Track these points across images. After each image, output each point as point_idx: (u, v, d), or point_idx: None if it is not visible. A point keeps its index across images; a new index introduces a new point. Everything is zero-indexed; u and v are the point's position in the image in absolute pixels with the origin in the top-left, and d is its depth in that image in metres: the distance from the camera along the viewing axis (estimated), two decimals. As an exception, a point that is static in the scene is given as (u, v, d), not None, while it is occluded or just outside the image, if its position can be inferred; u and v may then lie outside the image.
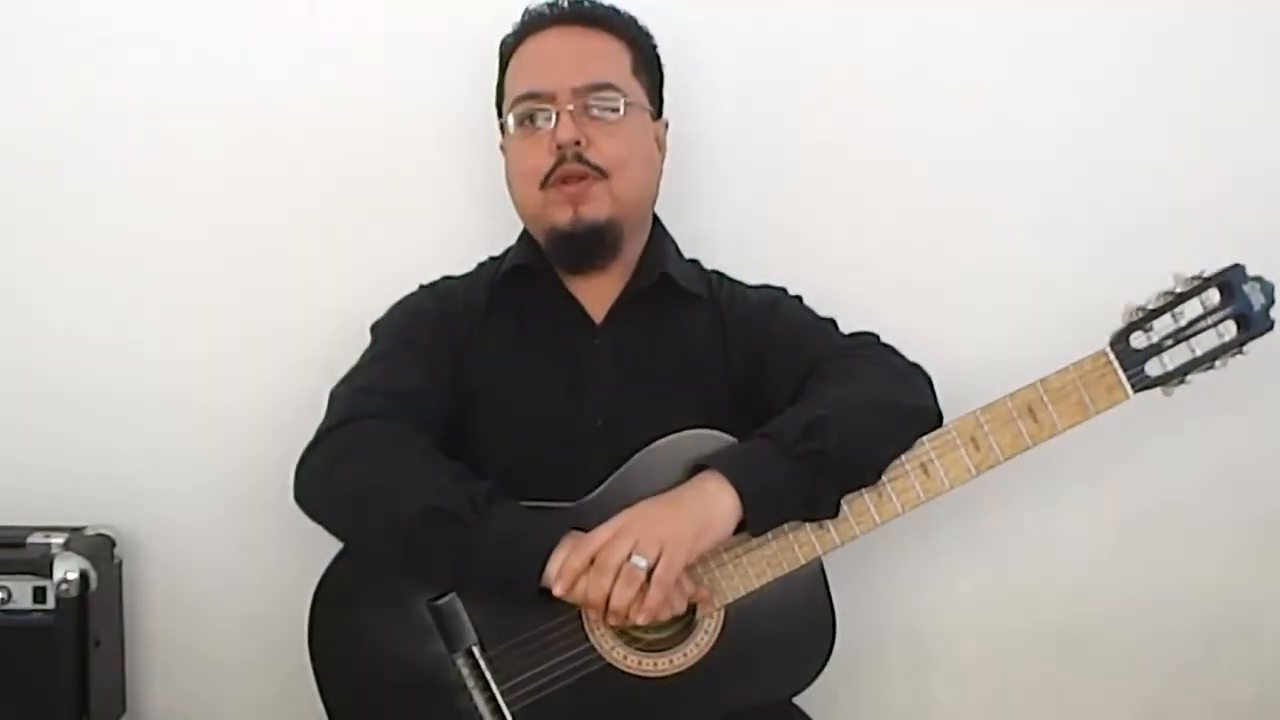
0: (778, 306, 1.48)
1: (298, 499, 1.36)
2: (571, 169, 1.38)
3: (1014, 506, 1.68)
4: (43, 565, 1.53)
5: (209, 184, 1.64)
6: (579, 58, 1.42)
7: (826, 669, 1.36)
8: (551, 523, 1.29)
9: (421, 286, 1.50)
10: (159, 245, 1.65)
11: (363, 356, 1.45)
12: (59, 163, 1.64)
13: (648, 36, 1.49)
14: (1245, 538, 1.70)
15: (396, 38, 1.63)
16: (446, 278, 1.51)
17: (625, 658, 1.34)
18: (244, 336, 1.65)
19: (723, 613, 1.34)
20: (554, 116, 1.39)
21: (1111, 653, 1.72)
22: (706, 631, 1.34)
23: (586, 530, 1.28)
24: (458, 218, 1.63)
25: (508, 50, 1.48)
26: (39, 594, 1.53)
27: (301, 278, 1.65)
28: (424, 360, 1.42)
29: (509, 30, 1.48)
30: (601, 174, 1.38)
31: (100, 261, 1.65)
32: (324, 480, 1.34)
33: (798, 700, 1.41)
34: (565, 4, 1.47)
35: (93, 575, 1.54)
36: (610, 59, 1.44)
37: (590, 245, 1.41)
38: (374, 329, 1.47)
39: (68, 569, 1.52)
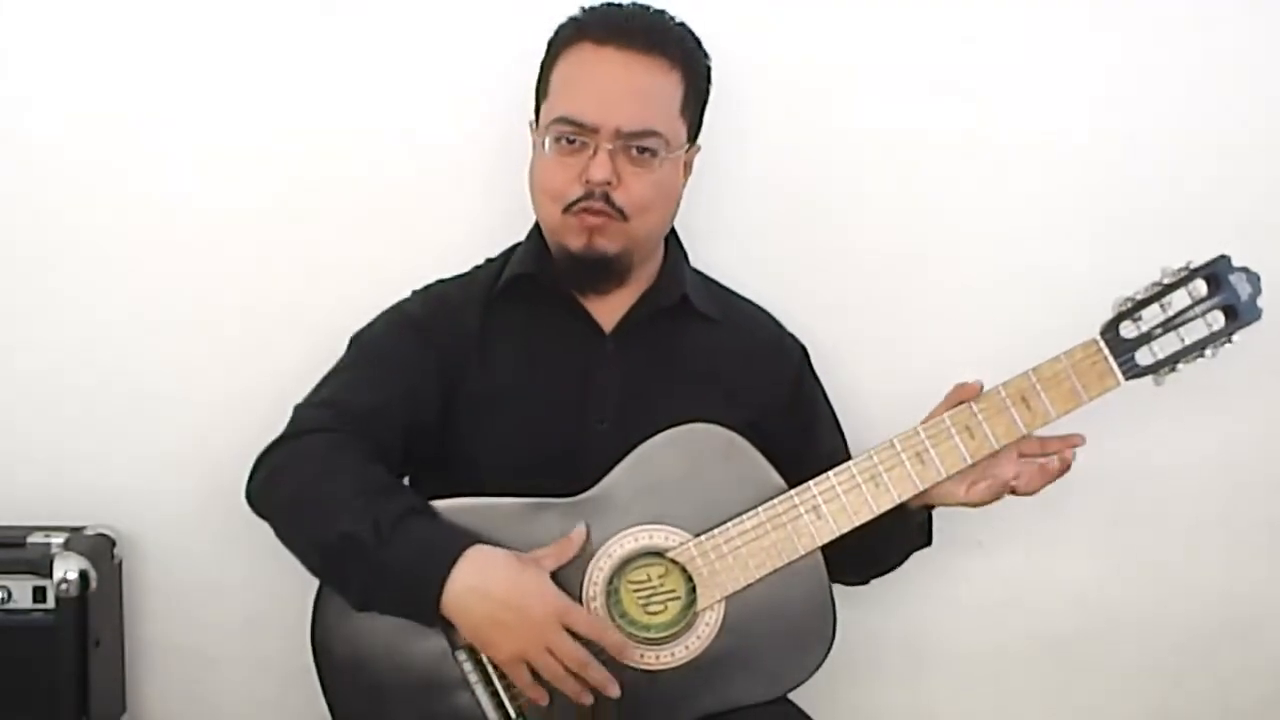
0: (803, 383, 1.52)
1: (249, 503, 1.39)
2: (594, 206, 1.38)
3: (1014, 507, 1.67)
4: (43, 565, 1.53)
5: (213, 186, 1.65)
6: (631, 96, 1.38)
7: (827, 668, 1.36)
8: (449, 545, 1.29)
9: (414, 292, 1.50)
10: (159, 246, 1.65)
11: (333, 366, 1.46)
12: (58, 165, 1.63)
13: (705, 59, 1.46)
14: (1246, 539, 1.72)
15: (402, 43, 1.64)
16: (440, 281, 1.51)
17: (626, 651, 1.34)
18: (245, 338, 1.66)
19: (723, 605, 1.34)
20: (592, 148, 1.38)
21: (1112, 654, 1.73)
22: (707, 624, 1.35)
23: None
24: (459, 220, 1.64)
25: (560, 44, 1.43)
26: (39, 594, 1.52)
27: (304, 280, 1.65)
28: (392, 372, 1.43)
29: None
30: (622, 216, 1.39)
31: (100, 262, 1.65)
32: (264, 492, 1.38)
33: (797, 700, 1.41)
34: (631, 11, 1.43)
35: (93, 575, 1.54)
36: (662, 99, 1.40)
37: (597, 273, 1.43)
38: (352, 338, 1.47)
39: (68, 569, 1.52)
